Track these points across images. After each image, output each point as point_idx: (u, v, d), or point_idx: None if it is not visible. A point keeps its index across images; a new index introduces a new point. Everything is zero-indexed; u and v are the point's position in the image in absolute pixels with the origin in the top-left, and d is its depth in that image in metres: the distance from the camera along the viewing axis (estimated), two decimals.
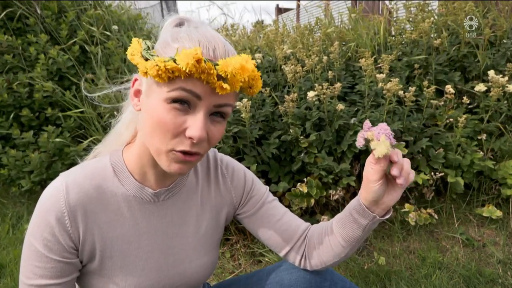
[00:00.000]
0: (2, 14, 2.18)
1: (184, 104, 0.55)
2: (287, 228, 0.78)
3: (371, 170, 0.63)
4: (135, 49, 0.58)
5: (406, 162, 0.62)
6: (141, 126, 0.62)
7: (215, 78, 0.53)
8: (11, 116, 2.14)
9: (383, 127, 0.60)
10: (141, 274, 0.68)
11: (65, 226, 0.61)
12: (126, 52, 0.60)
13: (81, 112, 2.06)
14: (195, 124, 0.55)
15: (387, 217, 0.68)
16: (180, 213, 0.72)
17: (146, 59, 0.55)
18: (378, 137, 0.60)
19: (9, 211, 2.32)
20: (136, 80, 0.62)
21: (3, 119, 2.15)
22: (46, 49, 2.24)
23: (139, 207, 0.67)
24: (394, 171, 0.60)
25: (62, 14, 2.41)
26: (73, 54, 2.28)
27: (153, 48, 0.58)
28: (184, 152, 0.57)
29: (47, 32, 2.33)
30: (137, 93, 0.62)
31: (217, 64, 0.53)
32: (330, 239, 0.74)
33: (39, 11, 2.28)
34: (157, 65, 0.52)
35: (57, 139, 2.02)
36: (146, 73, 0.54)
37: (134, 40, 0.60)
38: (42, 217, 0.61)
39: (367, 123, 0.62)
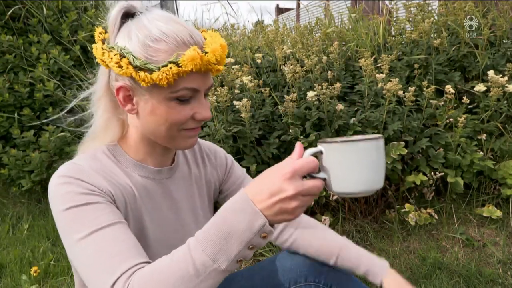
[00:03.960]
0: (7, 15, 2.18)
1: (186, 99, 0.62)
2: None
3: None
4: (123, 63, 0.58)
5: None
6: (143, 125, 0.65)
7: (212, 65, 0.61)
8: (15, 115, 2.15)
9: None
10: (150, 247, 0.68)
11: (89, 176, 0.60)
12: (102, 59, 0.61)
13: None
14: (203, 108, 0.63)
15: None
16: (183, 190, 0.75)
17: (148, 71, 0.57)
18: None
19: (9, 211, 2.32)
20: (120, 88, 0.62)
21: (3, 118, 2.16)
22: (47, 49, 2.24)
23: (145, 186, 0.69)
24: None
25: (63, 14, 2.41)
26: (75, 53, 2.28)
27: (129, 52, 0.59)
28: (193, 128, 0.65)
29: (48, 32, 2.33)
30: (127, 98, 0.63)
31: (207, 52, 0.59)
32: None
33: (45, 11, 2.28)
34: (166, 74, 0.57)
35: (62, 133, 2.03)
36: (148, 82, 0.58)
37: (105, 51, 0.60)
38: (66, 182, 0.59)
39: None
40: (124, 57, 0.58)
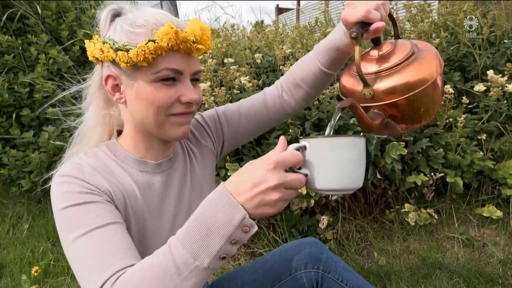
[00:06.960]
0: (4, 17, 2.19)
1: (170, 80, 0.62)
2: (255, 100, 0.84)
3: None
4: (104, 48, 0.62)
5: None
6: (132, 113, 0.65)
7: (191, 44, 0.61)
8: (13, 116, 2.15)
9: None
10: (154, 240, 0.69)
11: (88, 175, 0.61)
12: (93, 55, 0.64)
13: None
14: (189, 90, 0.63)
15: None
16: (183, 179, 0.75)
17: (126, 51, 0.59)
18: None
19: (9, 211, 2.32)
20: (108, 77, 0.64)
21: (3, 119, 2.16)
22: (46, 49, 2.24)
23: (147, 182, 0.69)
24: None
25: (62, 14, 2.41)
26: (74, 54, 2.28)
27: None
28: (182, 113, 0.64)
29: (47, 33, 2.33)
30: (115, 88, 0.65)
31: (186, 32, 0.60)
32: (311, 66, 0.81)
33: (40, 12, 2.28)
34: (142, 50, 0.58)
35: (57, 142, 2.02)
36: (127, 62, 0.59)
37: (91, 43, 0.65)
38: (66, 182, 0.60)
39: None
40: (107, 43, 0.61)
